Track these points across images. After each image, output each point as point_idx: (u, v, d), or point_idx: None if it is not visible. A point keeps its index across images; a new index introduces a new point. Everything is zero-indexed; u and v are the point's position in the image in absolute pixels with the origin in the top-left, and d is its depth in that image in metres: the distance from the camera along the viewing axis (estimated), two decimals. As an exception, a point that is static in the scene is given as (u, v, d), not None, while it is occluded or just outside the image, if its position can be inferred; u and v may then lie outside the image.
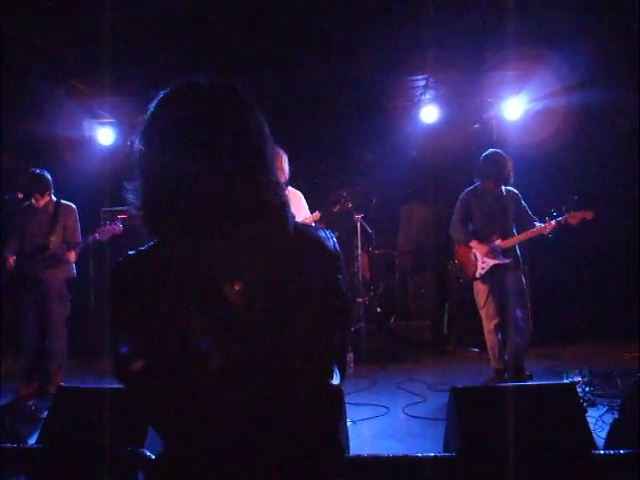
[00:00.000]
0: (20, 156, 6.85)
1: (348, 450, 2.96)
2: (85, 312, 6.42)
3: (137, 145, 1.15)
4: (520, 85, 6.22)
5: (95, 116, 6.98)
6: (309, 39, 5.13)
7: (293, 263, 1.12)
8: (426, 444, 3.42)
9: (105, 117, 6.95)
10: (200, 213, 1.07)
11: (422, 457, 2.54)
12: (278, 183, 1.14)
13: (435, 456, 2.56)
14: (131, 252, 1.17)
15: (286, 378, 1.10)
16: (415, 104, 6.56)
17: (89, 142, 6.99)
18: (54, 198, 5.08)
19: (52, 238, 4.93)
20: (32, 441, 3.30)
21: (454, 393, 2.79)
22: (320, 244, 1.18)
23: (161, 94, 1.15)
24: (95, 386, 3.12)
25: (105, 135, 6.76)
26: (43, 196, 4.98)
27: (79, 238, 5.04)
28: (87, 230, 5.10)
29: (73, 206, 5.13)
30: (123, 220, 5.16)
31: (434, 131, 6.52)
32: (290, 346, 1.09)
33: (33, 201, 4.96)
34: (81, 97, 6.40)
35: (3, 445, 2.99)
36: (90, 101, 6.58)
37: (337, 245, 1.20)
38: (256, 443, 1.08)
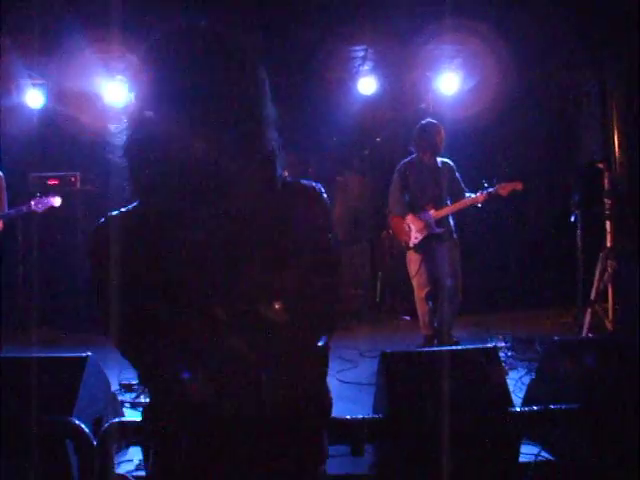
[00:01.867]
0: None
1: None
2: (15, 281, 6.22)
3: (130, 93, 1.13)
4: (457, 59, 6.32)
5: (23, 76, 6.64)
6: (246, 4, 5.03)
7: (281, 217, 1.11)
8: (357, 408, 3.53)
9: (34, 78, 6.63)
10: (186, 168, 1.06)
11: (351, 419, 2.62)
12: (269, 138, 1.12)
13: (363, 418, 2.65)
14: (114, 212, 1.16)
15: (273, 334, 1.10)
16: (353, 75, 6.57)
17: (17, 104, 6.66)
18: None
19: None
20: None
21: (383, 357, 2.89)
22: (309, 197, 1.17)
23: (155, 36, 1.10)
24: (23, 355, 3.06)
25: (34, 97, 6.45)
26: None
27: (4, 207, 4.84)
28: (16, 198, 4.91)
29: (0, 174, 4.92)
30: (53, 185, 5.00)
31: (371, 102, 6.56)
32: (277, 302, 1.10)
33: None
34: (8, 55, 6.07)
35: None
36: (18, 60, 6.25)
37: (326, 199, 1.19)
38: (243, 399, 1.10)
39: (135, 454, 3.00)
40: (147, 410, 1.24)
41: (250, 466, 1.13)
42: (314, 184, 1.20)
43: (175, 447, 1.15)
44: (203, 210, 1.08)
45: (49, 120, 6.59)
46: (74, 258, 6.24)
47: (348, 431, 2.67)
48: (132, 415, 3.44)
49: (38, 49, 5.91)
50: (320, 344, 1.20)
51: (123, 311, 1.16)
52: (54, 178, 6.32)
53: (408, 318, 6.06)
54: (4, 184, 4.90)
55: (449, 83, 6.38)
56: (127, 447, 3.07)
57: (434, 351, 3.18)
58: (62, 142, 6.54)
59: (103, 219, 1.18)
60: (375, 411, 3.01)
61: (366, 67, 6.40)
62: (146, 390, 3.78)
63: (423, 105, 6.64)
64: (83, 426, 2.62)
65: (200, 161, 1.06)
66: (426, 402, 2.69)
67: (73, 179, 6.35)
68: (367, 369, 4.29)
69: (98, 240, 1.17)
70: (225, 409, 1.11)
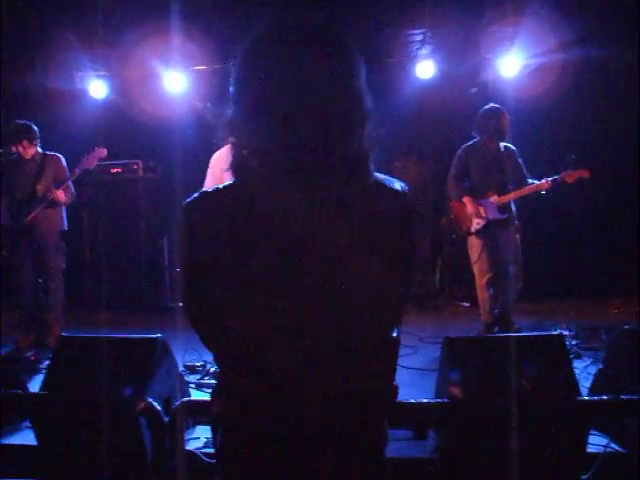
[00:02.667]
0: (13, 109, 6.76)
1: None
2: (81, 265, 6.46)
3: (233, 76, 1.16)
4: (517, 41, 6.15)
5: (87, 68, 6.85)
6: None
7: (368, 214, 1.14)
8: (417, 392, 3.52)
9: (98, 70, 6.83)
10: (284, 156, 1.09)
11: (416, 403, 2.63)
12: (367, 136, 1.14)
13: (428, 402, 2.65)
14: (207, 189, 1.20)
15: (350, 325, 1.13)
16: (412, 59, 6.49)
17: (81, 95, 6.88)
18: (40, 150, 5.06)
19: (39, 186, 4.93)
20: (32, 389, 3.38)
21: (447, 343, 2.87)
22: (396, 195, 1.19)
23: (262, 29, 1.15)
24: (95, 335, 3.18)
25: (97, 88, 6.65)
26: (30, 146, 4.95)
27: (67, 178, 5.04)
28: (81, 186, 5.10)
29: (59, 155, 5.12)
30: (117, 173, 5.16)
31: (430, 87, 6.47)
32: (357, 294, 1.12)
33: (20, 150, 4.93)
34: (74, 49, 6.28)
35: (9, 392, 3.07)
36: (83, 53, 6.45)
37: (411, 198, 1.22)
38: (313, 386, 1.12)
39: (202, 432, 3.09)
40: (218, 390, 1.27)
41: (315, 450, 1.15)
42: (402, 185, 1.22)
43: (243, 428, 1.18)
44: (295, 197, 1.10)
45: (112, 110, 6.79)
46: (137, 243, 6.44)
47: (412, 415, 2.68)
48: (197, 395, 3.54)
49: (101, 42, 6.10)
50: (394, 335, 1.23)
51: (202, 289, 1.19)
52: (117, 167, 6.52)
53: (467, 304, 5.99)
54: (66, 165, 5.09)
55: (509, 65, 6.22)
56: (194, 425, 3.18)
57: (500, 337, 3.14)
58: (124, 131, 6.73)
59: (196, 194, 1.21)
60: (437, 396, 3.00)
61: (424, 51, 6.32)
62: (212, 371, 3.89)
63: (474, 89, 6.49)
64: (155, 404, 2.73)
65: (301, 149, 1.09)
66: (491, 388, 2.66)
67: (135, 167, 6.53)
68: (427, 355, 4.28)
69: (188, 215, 1.19)
70: (293, 394, 1.14)
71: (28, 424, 3.22)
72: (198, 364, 4.03)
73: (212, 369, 3.92)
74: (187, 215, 1.18)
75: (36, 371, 4.35)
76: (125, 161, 6.58)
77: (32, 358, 4.61)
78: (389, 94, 6.24)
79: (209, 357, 4.14)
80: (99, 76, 6.75)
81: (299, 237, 1.10)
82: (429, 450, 2.84)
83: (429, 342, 4.58)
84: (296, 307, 1.11)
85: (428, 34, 5.99)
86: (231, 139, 1.17)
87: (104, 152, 5.04)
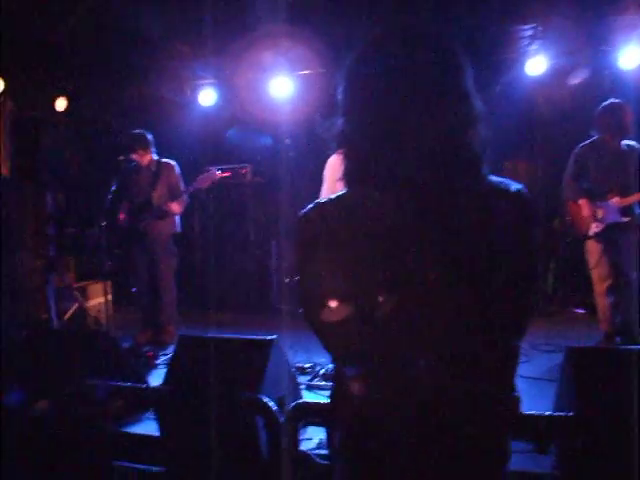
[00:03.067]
0: (126, 119, 7.18)
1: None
2: (191, 267, 6.74)
3: (342, 83, 1.18)
4: (637, 31, 5.75)
5: (196, 77, 7.14)
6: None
7: (485, 218, 1.11)
8: (532, 403, 3.37)
9: (206, 78, 7.10)
10: (397, 164, 1.10)
11: (538, 416, 2.51)
12: (479, 137, 1.13)
13: (551, 415, 2.53)
14: (321, 200, 1.23)
15: (470, 334, 1.11)
16: (521, 55, 6.24)
17: (191, 103, 7.19)
18: (155, 157, 5.32)
19: (154, 194, 5.20)
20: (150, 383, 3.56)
21: (570, 353, 2.73)
22: (513, 198, 1.15)
23: (370, 35, 1.17)
24: (213, 335, 3.31)
25: (206, 96, 6.91)
26: (146, 154, 5.23)
27: (182, 189, 5.27)
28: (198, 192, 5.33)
29: (173, 163, 5.37)
30: (226, 178, 5.34)
31: (540, 84, 6.19)
32: (479, 301, 1.10)
33: (136, 157, 5.22)
34: (183, 59, 6.56)
35: (134, 385, 3.26)
36: (191, 62, 6.73)
37: (530, 200, 1.17)
38: (436, 393, 1.12)
39: (315, 433, 3.13)
40: (337, 392, 1.27)
41: (435, 454, 1.13)
42: (519, 187, 1.17)
43: (362, 429, 1.18)
44: (410, 205, 1.10)
45: (220, 117, 7.03)
46: (245, 246, 6.64)
47: (533, 427, 2.57)
48: (307, 396, 3.58)
49: (210, 51, 6.34)
50: (516, 344, 1.19)
51: (320, 295, 1.21)
52: (226, 171, 6.75)
53: (582, 311, 5.68)
54: (179, 172, 5.34)
55: (630, 57, 5.82)
56: (306, 426, 3.21)
57: (629, 350, 2.93)
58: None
59: (311, 205, 1.23)
60: (558, 408, 2.86)
61: (534, 46, 6.05)
62: (322, 373, 3.92)
63: (575, 80, 6.11)
64: (271, 404, 2.79)
65: (414, 156, 1.09)
66: (618, 402, 2.50)
67: (244, 171, 6.73)
68: (541, 364, 4.09)
69: (303, 225, 1.22)
70: (415, 401, 1.12)
71: (149, 415, 3.41)
72: (307, 365, 4.09)
73: (322, 371, 3.95)
74: (302, 226, 1.22)
75: (152, 366, 4.59)
76: (233, 166, 6.79)
77: (149, 354, 4.86)
78: (497, 93, 6.04)
79: (318, 359, 4.18)
80: (208, 84, 7.01)
81: (416, 246, 1.09)
82: (550, 465, 2.71)
83: (543, 350, 4.39)
84: (418, 318, 1.10)
85: (539, 29, 5.73)
86: (343, 149, 1.19)
87: (216, 175, 5.21)
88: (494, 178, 1.17)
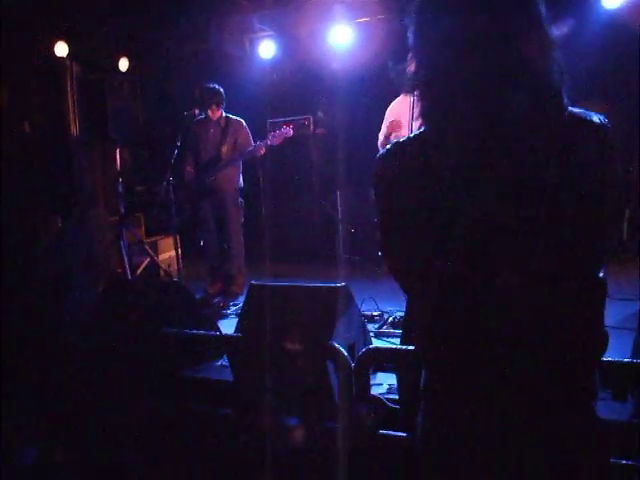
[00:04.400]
0: (189, 74, 7.24)
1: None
2: (257, 219, 6.84)
3: (412, 24, 1.18)
4: None
5: (255, 30, 7.08)
6: None
7: (568, 148, 1.09)
8: (609, 352, 3.29)
9: (265, 30, 7.04)
10: (475, 96, 1.09)
11: (615, 362, 2.45)
12: (557, 64, 1.11)
13: (631, 362, 2.46)
14: (400, 139, 1.23)
15: (553, 264, 1.10)
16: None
17: (251, 56, 7.15)
18: (223, 113, 5.35)
19: (224, 149, 5.25)
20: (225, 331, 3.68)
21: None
22: (597, 128, 1.13)
23: None
24: (283, 283, 3.37)
25: (266, 48, 6.86)
26: (218, 109, 5.27)
27: (252, 145, 5.31)
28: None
29: (242, 121, 5.39)
30: (289, 128, 5.34)
31: (619, 16, 5.79)
32: (562, 231, 1.09)
33: (210, 113, 5.26)
34: (242, 12, 6.51)
35: (209, 333, 3.38)
36: (250, 15, 6.67)
37: (612, 131, 1.14)
38: (519, 325, 1.11)
39: (384, 379, 3.17)
40: (419, 335, 1.28)
41: (520, 394, 1.12)
42: (601, 118, 1.14)
43: (445, 367, 1.20)
44: (491, 137, 1.08)
45: (281, 68, 6.98)
46: (311, 197, 6.67)
47: (612, 375, 2.51)
48: (377, 343, 3.61)
49: (268, 4, 6.26)
50: (601, 275, 1.15)
51: (400, 240, 1.21)
52: (288, 123, 6.73)
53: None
54: (248, 130, 5.37)
55: None
56: (376, 372, 3.26)
57: None
58: (294, 88, 6.90)
59: (390, 145, 1.23)
60: (635, 356, 2.78)
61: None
62: (390, 321, 3.95)
63: None
64: (343, 350, 2.83)
65: (490, 93, 1.08)
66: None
67: (306, 123, 6.71)
68: (617, 312, 3.97)
69: (382, 166, 1.22)
70: (499, 335, 1.11)
71: (223, 362, 3.54)
72: (376, 313, 4.12)
73: (390, 319, 3.98)
74: (382, 166, 1.21)
75: (223, 316, 4.74)
76: (295, 117, 6.77)
77: (220, 304, 5.02)
78: (572, 30, 5.71)
79: (386, 307, 4.20)
80: (267, 36, 6.94)
81: (498, 178, 1.08)
82: (629, 413, 2.65)
83: (617, 298, 4.23)
84: (497, 245, 1.10)
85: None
86: (418, 90, 1.18)
87: (290, 132, 5.22)
88: (575, 109, 1.14)
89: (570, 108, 1.13)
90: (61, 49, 6.06)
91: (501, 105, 1.09)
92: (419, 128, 1.22)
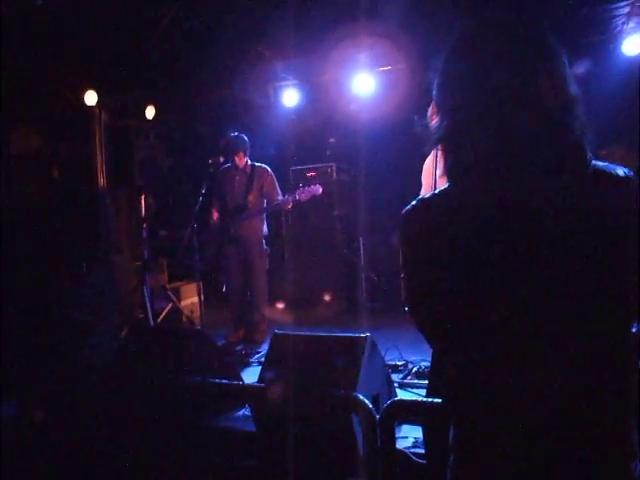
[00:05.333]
0: (213, 122, 7.39)
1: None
2: (281, 266, 6.84)
3: (437, 79, 1.19)
4: None
5: (279, 79, 7.23)
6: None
7: (594, 204, 1.09)
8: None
9: (288, 79, 7.18)
10: (499, 154, 1.09)
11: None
12: (579, 120, 1.11)
13: None
14: (425, 195, 1.23)
15: (583, 321, 1.08)
16: (616, 35, 5.89)
17: (274, 105, 7.29)
18: (249, 160, 5.42)
19: (250, 198, 5.29)
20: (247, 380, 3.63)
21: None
22: (621, 182, 1.12)
23: (462, 28, 1.18)
24: (307, 333, 3.33)
25: (289, 96, 6.98)
26: (244, 157, 5.34)
27: (278, 195, 5.34)
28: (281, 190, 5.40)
29: (267, 168, 5.46)
30: (312, 177, 5.38)
31: (637, 64, 5.81)
32: (589, 289, 1.07)
33: (237, 160, 5.34)
34: (266, 61, 6.66)
35: (232, 382, 3.33)
36: (274, 64, 6.83)
37: (637, 181, 1.13)
38: (546, 387, 1.08)
39: (410, 432, 3.09)
40: (449, 390, 1.25)
41: (555, 454, 1.08)
42: (626, 171, 1.13)
43: (476, 431, 1.16)
44: (515, 195, 1.08)
45: (304, 117, 7.09)
46: (333, 244, 6.66)
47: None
48: (401, 394, 3.54)
49: (292, 53, 6.41)
50: (634, 330, 1.13)
51: (426, 292, 1.20)
52: (312, 170, 6.81)
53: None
54: (274, 177, 5.43)
55: None
56: (401, 424, 3.17)
57: None
58: (317, 136, 6.99)
59: (415, 201, 1.23)
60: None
61: (631, 24, 5.70)
62: (415, 371, 3.87)
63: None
64: (367, 401, 2.76)
65: (515, 146, 1.09)
66: None
67: (329, 170, 6.77)
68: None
69: (407, 222, 1.22)
70: (526, 398, 1.09)
71: (245, 412, 3.48)
72: (399, 363, 4.05)
73: (414, 369, 3.90)
74: (407, 223, 1.22)
75: (246, 364, 4.69)
76: (319, 165, 6.85)
77: (242, 352, 4.97)
78: (592, 77, 5.75)
79: (410, 356, 4.13)
80: (290, 85, 7.08)
81: (521, 236, 1.08)
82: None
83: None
84: (521, 306, 1.08)
85: (637, 4, 5.39)
86: (442, 145, 1.19)
87: (319, 190, 5.23)
88: (599, 163, 1.15)
89: (594, 162, 1.13)
90: (91, 98, 6.24)
91: (525, 164, 1.09)
92: (443, 182, 1.23)
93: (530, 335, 1.08)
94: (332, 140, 7.23)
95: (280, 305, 6.24)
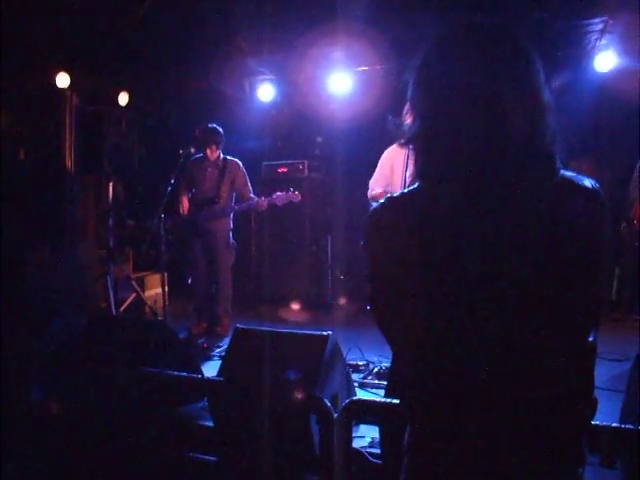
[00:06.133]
0: (188, 113, 7.31)
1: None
2: (247, 261, 6.81)
3: (413, 80, 1.19)
4: None
5: (255, 73, 7.20)
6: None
7: (559, 212, 1.10)
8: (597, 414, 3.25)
9: (265, 74, 7.15)
10: (469, 157, 1.10)
11: (604, 427, 2.40)
12: (550, 129, 1.12)
13: (619, 427, 2.42)
14: (394, 194, 1.23)
15: (542, 329, 1.09)
16: (589, 51, 6.02)
17: (249, 98, 7.25)
18: (221, 154, 5.37)
19: (221, 192, 5.24)
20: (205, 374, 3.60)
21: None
22: (587, 193, 1.14)
23: (438, 34, 1.18)
24: (269, 329, 3.32)
25: (265, 91, 6.96)
26: (217, 149, 5.29)
27: (249, 192, 5.30)
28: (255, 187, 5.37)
29: (239, 162, 5.41)
30: (283, 173, 5.35)
31: (609, 81, 5.95)
32: (548, 297, 1.08)
33: (208, 152, 5.28)
34: (243, 55, 6.62)
35: (190, 375, 3.30)
36: (251, 59, 6.79)
37: (604, 200, 1.15)
38: (508, 392, 1.09)
39: (367, 432, 3.10)
40: (408, 389, 1.25)
41: (506, 458, 1.10)
42: (593, 183, 1.15)
43: (431, 433, 1.17)
44: (485, 201, 1.09)
45: (279, 112, 7.07)
46: (301, 240, 6.66)
47: (598, 439, 2.46)
48: (360, 394, 3.55)
49: (269, 48, 6.38)
50: (590, 339, 1.14)
51: (388, 292, 1.20)
52: (283, 166, 6.79)
53: (647, 318, 5.43)
54: (245, 172, 5.39)
55: None
56: (358, 424, 3.18)
57: None
58: (290, 132, 6.96)
59: (383, 199, 1.23)
60: (624, 420, 2.73)
61: (604, 41, 5.82)
62: (375, 371, 3.89)
63: None
64: (325, 400, 2.77)
65: (482, 155, 1.09)
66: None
67: (301, 167, 6.75)
68: (605, 373, 3.93)
69: (375, 221, 1.22)
70: (485, 398, 1.10)
71: (203, 405, 3.45)
72: (361, 363, 4.06)
73: (375, 369, 3.92)
74: (375, 221, 1.21)
75: (207, 357, 4.66)
76: (291, 161, 6.82)
77: (204, 345, 4.93)
78: (563, 89, 5.85)
79: (371, 357, 4.15)
80: (266, 80, 7.05)
81: (488, 240, 1.08)
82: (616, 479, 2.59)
83: (607, 359, 4.21)
84: (483, 314, 1.09)
85: (609, 22, 5.51)
86: (414, 146, 1.19)
87: (298, 198, 5.19)
88: (567, 173, 1.16)
89: (562, 172, 1.14)
90: (62, 80, 6.11)
91: (492, 168, 1.09)
92: (412, 181, 1.22)
93: (489, 341, 1.09)
94: (319, 139, 7.19)
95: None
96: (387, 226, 1.19)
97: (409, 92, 1.21)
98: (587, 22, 5.58)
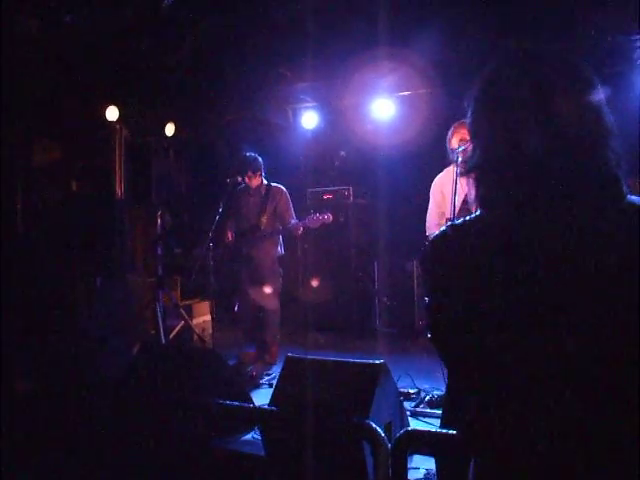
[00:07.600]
0: (232, 142, 7.44)
1: None
2: (294, 287, 6.81)
3: (471, 107, 1.20)
4: None
5: (298, 101, 7.29)
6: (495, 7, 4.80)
7: (628, 238, 1.06)
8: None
9: (308, 101, 7.24)
10: (532, 184, 1.09)
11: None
12: (614, 153, 1.10)
13: None
14: (455, 222, 1.22)
15: (606, 362, 1.05)
16: (633, 68, 5.88)
17: (293, 126, 7.33)
18: (265, 181, 5.43)
19: (263, 219, 5.28)
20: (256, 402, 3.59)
21: None
22: None
23: (496, 62, 1.18)
24: (320, 357, 3.29)
25: (308, 119, 7.03)
26: (255, 176, 5.34)
27: (291, 217, 5.33)
28: (296, 213, 5.40)
29: (283, 188, 5.45)
30: (328, 200, 5.36)
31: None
32: (617, 325, 1.04)
33: (247, 180, 5.34)
34: (286, 83, 6.72)
35: (242, 405, 3.30)
36: (294, 87, 6.88)
37: None
38: (562, 437, 1.06)
39: (421, 462, 3.03)
40: (469, 425, 1.21)
41: None
42: None
43: (495, 468, 1.13)
44: (550, 226, 1.07)
45: (323, 139, 7.12)
46: (347, 268, 6.64)
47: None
48: (413, 423, 3.48)
49: (312, 76, 6.46)
50: None
51: (453, 323, 1.17)
52: (329, 193, 6.82)
53: None
54: (288, 197, 5.43)
55: None
56: (412, 454, 3.11)
57: None
58: (335, 159, 7.00)
59: (445, 227, 1.22)
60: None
61: (651, 57, 5.68)
62: (427, 399, 3.81)
63: None
64: (379, 430, 2.71)
65: (550, 179, 1.08)
66: None
67: (346, 193, 6.77)
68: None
69: (437, 248, 1.21)
70: (548, 435, 1.06)
71: (254, 435, 3.44)
72: (412, 391, 3.99)
73: (427, 397, 3.84)
74: (436, 249, 1.20)
75: (256, 385, 4.65)
76: (336, 187, 6.85)
77: (253, 373, 4.94)
78: (613, 108, 5.73)
79: (422, 384, 4.07)
80: (310, 107, 7.13)
81: (555, 267, 1.06)
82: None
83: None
84: (547, 342, 1.06)
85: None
86: (475, 173, 1.19)
87: (330, 219, 5.17)
88: (633, 197, 1.12)
89: (629, 197, 1.11)
90: (112, 113, 6.31)
91: (560, 196, 1.08)
92: (462, 207, 1.21)
93: (559, 367, 1.06)
94: (343, 153, 7.23)
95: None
96: (450, 253, 1.18)
97: (468, 120, 1.22)
98: (631, 38, 5.46)
